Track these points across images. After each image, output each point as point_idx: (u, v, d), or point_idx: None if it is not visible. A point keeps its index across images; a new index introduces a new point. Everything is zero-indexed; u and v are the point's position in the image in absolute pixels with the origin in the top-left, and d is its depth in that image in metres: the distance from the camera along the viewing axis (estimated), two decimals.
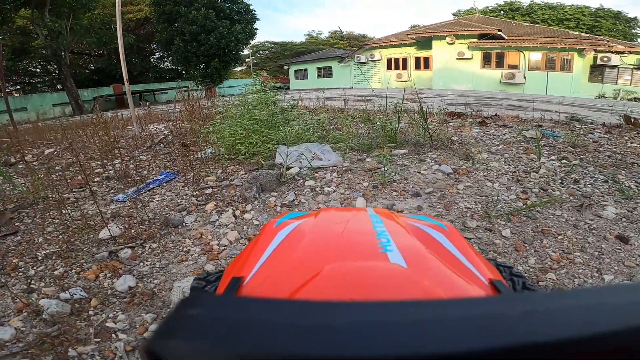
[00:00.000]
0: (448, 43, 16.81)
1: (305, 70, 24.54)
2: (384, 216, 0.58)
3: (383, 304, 0.25)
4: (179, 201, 2.39)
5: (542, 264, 1.68)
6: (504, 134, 3.65)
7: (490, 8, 30.05)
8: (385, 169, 2.62)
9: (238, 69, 28.40)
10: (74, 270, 1.65)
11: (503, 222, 1.96)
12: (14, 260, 1.76)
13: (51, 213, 2.28)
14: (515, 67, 15.90)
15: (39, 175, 3.06)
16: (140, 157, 3.54)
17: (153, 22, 18.11)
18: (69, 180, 2.94)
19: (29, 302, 1.42)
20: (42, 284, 1.56)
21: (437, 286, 0.36)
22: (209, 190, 2.53)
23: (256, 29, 19.03)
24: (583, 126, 4.18)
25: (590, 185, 2.39)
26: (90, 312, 1.42)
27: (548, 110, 5.66)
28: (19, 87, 21.13)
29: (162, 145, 3.94)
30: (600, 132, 3.87)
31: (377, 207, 1.00)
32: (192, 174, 2.84)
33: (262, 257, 0.48)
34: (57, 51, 14.00)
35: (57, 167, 3.44)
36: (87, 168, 3.28)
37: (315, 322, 0.22)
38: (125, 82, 3.98)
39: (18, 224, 2.21)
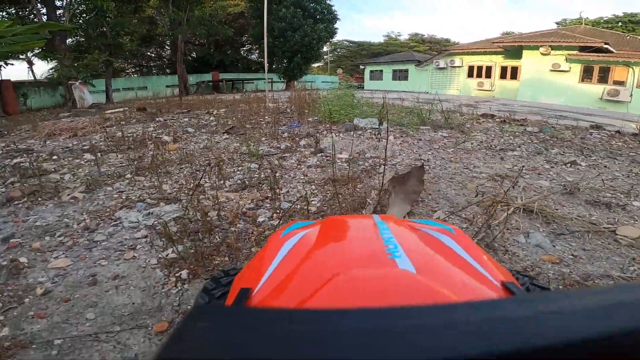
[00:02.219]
0: (542, 54, 15.42)
1: (381, 71, 24.36)
2: (391, 222, 0.58)
3: (393, 310, 0.24)
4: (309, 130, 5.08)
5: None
6: (514, 131, 5.23)
7: (605, 19, 26.28)
8: (412, 132, 4.99)
9: (315, 65, 29.22)
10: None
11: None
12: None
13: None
14: (621, 83, 13.91)
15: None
16: (280, 116, 6.27)
17: (246, 16, 19.50)
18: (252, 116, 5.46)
19: None
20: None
21: (448, 290, 0.35)
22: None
23: (336, 28, 19.81)
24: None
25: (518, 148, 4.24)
26: None
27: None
28: (137, 68, 24.43)
29: (288, 111, 6.80)
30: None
31: (382, 214, 0.95)
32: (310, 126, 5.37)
33: (270, 268, 0.48)
34: (175, 39, 15.95)
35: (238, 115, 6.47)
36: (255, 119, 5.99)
37: (326, 330, 0.22)
38: (265, 67, 6.65)
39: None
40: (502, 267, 0.50)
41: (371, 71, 25.00)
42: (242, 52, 27.56)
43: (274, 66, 19.57)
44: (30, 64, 14.52)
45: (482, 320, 0.22)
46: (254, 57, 27.04)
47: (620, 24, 25.32)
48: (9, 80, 11.20)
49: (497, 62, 17.81)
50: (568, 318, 0.22)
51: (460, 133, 4.95)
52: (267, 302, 0.40)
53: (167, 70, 21.66)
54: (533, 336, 0.20)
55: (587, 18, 23.72)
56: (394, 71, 23.37)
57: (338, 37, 25.69)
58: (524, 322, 0.22)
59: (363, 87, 21.48)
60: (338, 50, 37.15)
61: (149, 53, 24.74)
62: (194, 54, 26.13)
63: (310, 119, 5.73)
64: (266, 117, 6.02)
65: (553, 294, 0.37)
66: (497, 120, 6.32)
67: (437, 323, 0.22)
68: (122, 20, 13.58)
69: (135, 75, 22.25)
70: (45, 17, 11.60)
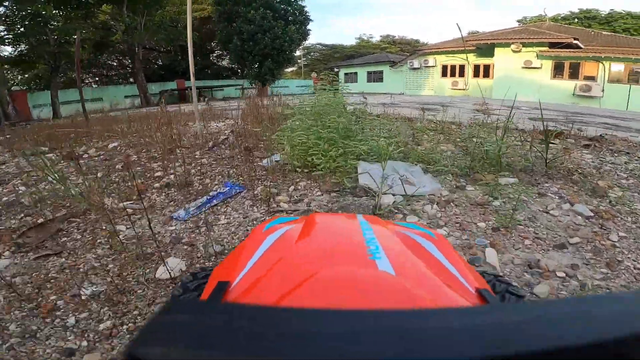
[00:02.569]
0: (513, 51, 15.34)
1: (355, 73, 23.95)
2: (374, 223, 0.56)
3: (369, 312, 0.24)
4: (248, 227, 1.88)
5: None
6: (625, 162, 2.97)
7: (563, 16, 27.13)
8: (499, 203, 2.07)
9: (289, 69, 28.46)
10: (125, 327, 1.17)
11: None
12: (51, 297, 1.33)
13: (104, 228, 1.87)
14: (592, 78, 14.00)
15: (97, 176, 2.73)
16: (202, 160, 3.15)
17: (214, 21, 18.58)
18: (128, 184, 2.57)
19: None
20: (84, 342, 1.14)
21: (424, 294, 0.35)
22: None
23: (309, 30, 19.12)
24: None
25: None
26: None
27: None
28: (97, 78, 22.71)
29: (223, 147, 3.55)
30: None
31: (366, 215, 0.89)
32: (259, 188, 2.33)
33: (249, 262, 0.46)
34: (132, 46, 14.85)
35: (117, 166, 3.23)
36: (147, 170, 2.93)
37: (300, 330, 0.22)
38: (192, 77, 3.88)
39: (65, 239, 1.87)
40: (477, 274, 0.49)
41: (345, 74, 24.55)
42: (211, 58, 26.40)
43: (245, 71, 18.59)
44: None
45: (454, 327, 0.22)
46: (224, 63, 25.97)
47: (576, 20, 26.20)
48: None
49: (470, 60, 17.70)
50: (536, 328, 0.22)
51: (594, 196, 2.17)
52: (245, 298, 0.39)
53: (130, 80, 20.13)
54: (500, 346, 0.20)
55: (546, 15, 24.32)
56: (369, 73, 23.02)
57: (311, 41, 25.21)
58: (493, 330, 0.22)
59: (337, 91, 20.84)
60: (312, 53, 36.81)
61: (109, 62, 23.04)
62: (159, 62, 24.69)
63: (264, 162, 2.97)
64: (176, 164, 2.98)
65: (525, 304, 0.31)
66: (572, 141, 3.64)
67: (409, 327, 0.22)
68: (68, 27, 12.16)
69: (95, 86, 20.60)
70: None
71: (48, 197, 2.35)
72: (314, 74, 25.96)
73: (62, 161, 3.49)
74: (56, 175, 2.32)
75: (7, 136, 4.72)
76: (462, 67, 18.13)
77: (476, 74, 17.81)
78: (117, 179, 2.86)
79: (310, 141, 2.58)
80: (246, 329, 0.22)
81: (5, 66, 14.08)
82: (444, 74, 18.91)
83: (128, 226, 1.98)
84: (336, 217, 0.69)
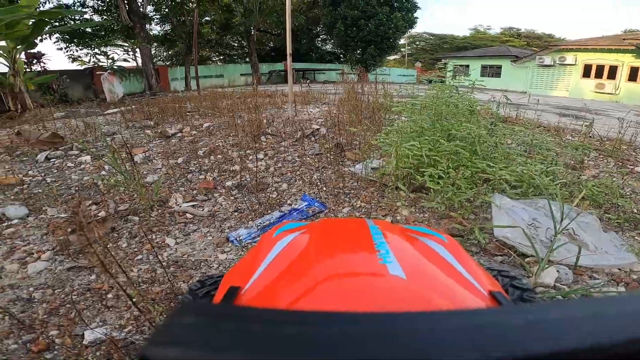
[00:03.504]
0: None
1: (467, 66, 21.18)
2: (383, 228, 0.55)
3: (381, 315, 0.24)
4: None
5: None
6: None
7: None
8: None
9: (391, 57, 26.93)
10: None
11: None
12: (52, 332, 1.07)
13: (151, 240, 1.67)
14: None
15: (177, 162, 2.56)
16: (286, 153, 2.72)
17: (320, 5, 18.46)
18: (200, 177, 2.33)
19: None
20: None
21: (436, 298, 0.34)
22: None
23: (416, 18, 17.79)
24: None
25: None
26: None
27: None
28: (222, 57, 25.19)
29: (313, 138, 3.09)
30: None
31: (376, 219, 0.90)
32: (344, 209, 1.78)
33: (260, 267, 0.45)
34: (248, 28, 15.65)
35: (200, 151, 3.04)
36: (226, 159, 2.75)
37: (312, 333, 0.21)
38: (288, 58, 3.54)
39: (110, 245, 1.68)
40: (490, 276, 0.48)
41: (455, 66, 21.93)
42: (317, 42, 26.70)
43: (347, 56, 18.27)
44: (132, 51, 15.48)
45: (467, 329, 0.21)
46: (328, 47, 26.02)
47: None
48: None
49: (625, 61, 13.70)
50: (553, 329, 0.21)
51: None
52: (256, 302, 0.38)
53: (246, 60, 21.83)
54: (515, 347, 0.20)
55: None
56: (484, 67, 20.19)
57: (417, 30, 23.20)
58: (509, 332, 0.21)
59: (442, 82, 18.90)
60: (417, 42, 34.20)
61: (231, 42, 25.27)
62: (271, 44, 26.06)
63: (355, 168, 2.47)
64: (258, 155, 2.79)
65: (539, 304, 0.33)
66: None
67: (423, 330, 0.21)
68: (201, 9, 13.50)
69: (220, 63, 22.92)
70: (126, 5, 11.83)
71: (121, 184, 2.20)
72: (418, 64, 23.91)
73: (156, 138, 3.55)
74: (121, 167, 2.10)
75: (132, 107, 5.19)
76: (613, 68, 14.16)
77: (632, 77, 13.71)
78: (193, 168, 2.67)
79: (423, 153, 1.91)
80: (258, 332, 0.21)
81: (154, 44, 16.61)
82: (585, 74, 15.15)
83: (179, 239, 1.70)
84: (345, 221, 0.70)
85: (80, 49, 12.87)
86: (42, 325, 1.18)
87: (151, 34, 15.64)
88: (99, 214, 1.92)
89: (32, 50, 9.98)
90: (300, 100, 5.51)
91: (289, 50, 3.65)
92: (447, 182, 1.75)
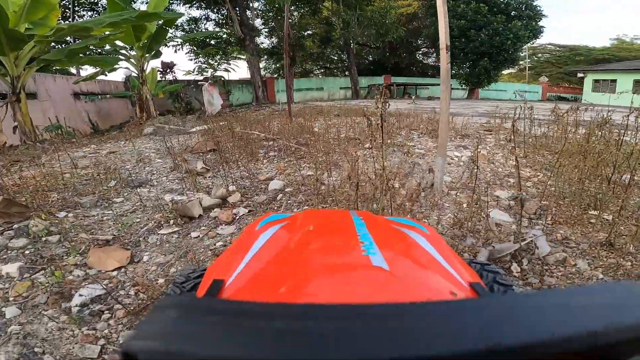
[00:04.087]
0: None
1: (613, 81, 16.97)
2: (367, 219, 0.55)
3: (363, 307, 0.24)
4: None
5: None
6: None
7: None
8: None
9: (506, 72, 23.59)
10: None
11: None
12: None
13: None
14: None
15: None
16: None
17: (420, 17, 17.21)
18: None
19: None
20: None
21: (418, 288, 0.35)
22: None
23: (542, 27, 15.51)
24: None
25: None
26: None
27: None
28: (322, 70, 26.05)
29: (512, 265, 1.43)
30: None
31: (359, 210, 0.91)
32: None
33: (244, 260, 0.45)
34: (347, 41, 15.61)
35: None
36: None
37: (296, 325, 0.21)
38: (442, 61, 2.33)
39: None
40: (470, 267, 0.48)
41: (596, 81, 17.72)
42: (417, 55, 25.31)
43: (453, 71, 16.60)
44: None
45: (449, 320, 0.22)
46: (430, 61, 24.35)
47: None
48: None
49: None
50: (529, 319, 0.22)
51: None
52: (240, 295, 0.37)
53: (346, 73, 22.06)
54: (494, 336, 0.20)
55: None
56: (636, 82, 15.80)
57: (539, 41, 19.38)
58: (488, 322, 0.22)
59: (577, 100, 15.50)
60: (539, 55, 29.34)
61: (332, 56, 25.95)
62: (370, 57, 25.80)
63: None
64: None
65: (516, 295, 0.34)
66: None
67: (406, 321, 0.22)
68: (301, 22, 13.95)
69: (320, 77, 23.73)
70: (239, 17, 12.89)
71: None
72: (544, 78, 20.06)
73: (170, 222, 1.95)
74: None
75: (215, 125, 4.32)
76: None
77: None
78: None
79: None
80: (241, 325, 0.21)
81: (264, 56, 18.00)
82: None
83: None
84: (329, 212, 0.70)
85: (206, 59, 14.71)
86: None
87: (261, 47, 16.99)
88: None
89: (166, 60, 11.63)
90: (418, 126, 4.09)
91: (442, 42, 2.67)
92: None
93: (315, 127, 4.25)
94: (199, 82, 10.20)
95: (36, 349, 1.06)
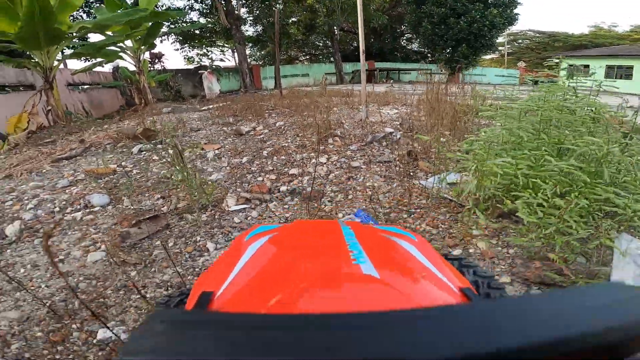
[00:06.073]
0: None
1: (586, 66, 17.76)
2: (355, 228, 0.55)
3: (354, 315, 0.24)
4: None
5: None
6: None
7: None
8: None
9: (488, 57, 24.13)
10: None
11: None
12: (73, 325, 1.17)
13: (198, 240, 1.71)
14: None
15: (242, 160, 2.54)
16: (353, 158, 2.48)
17: (403, 4, 17.47)
18: (259, 177, 2.24)
19: None
20: None
21: (410, 295, 0.35)
22: None
23: (517, 14, 15.86)
24: None
25: None
26: None
27: None
28: (307, 57, 26.04)
29: (384, 143, 2.78)
30: None
31: (347, 220, 0.91)
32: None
33: (233, 271, 0.44)
34: (331, 28, 15.76)
35: (264, 152, 2.98)
36: (289, 161, 2.70)
37: (287, 336, 0.21)
38: (361, 55, 3.49)
39: (158, 242, 1.69)
40: (459, 273, 0.47)
41: (570, 65, 18.46)
42: (401, 41, 25.54)
43: (435, 56, 17.04)
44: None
45: (442, 326, 0.22)
46: (413, 46, 24.66)
47: None
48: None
49: None
50: (522, 323, 0.22)
51: None
52: (229, 307, 0.37)
53: (331, 59, 22.21)
54: (488, 341, 0.20)
55: None
56: (609, 67, 16.74)
57: (519, 27, 20.11)
58: (480, 327, 0.22)
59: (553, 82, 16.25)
60: (519, 41, 29.93)
61: (317, 42, 25.91)
62: (354, 44, 25.92)
63: (426, 182, 2.17)
64: (321, 159, 2.70)
65: (509, 300, 0.31)
66: None
67: (399, 328, 0.22)
68: (286, 9, 14.03)
69: (305, 63, 23.77)
70: (224, 8, 12.93)
71: (184, 181, 2.19)
72: (521, 63, 20.70)
73: (231, 136, 3.66)
74: (181, 166, 2.04)
75: (223, 104, 5.51)
76: None
77: None
78: (254, 168, 2.59)
79: (518, 172, 1.45)
80: (231, 337, 0.21)
81: (249, 44, 17.99)
82: None
83: (219, 245, 1.65)
84: (318, 223, 0.70)
85: (192, 50, 14.70)
86: (70, 317, 1.21)
87: (246, 35, 16.98)
88: (162, 209, 2.01)
89: (154, 51, 11.77)
90: (378, 100, 5.20)
91: (361, 46, 3.41)
92: (549, 213, 1.30)
93: (300, 103, 5.39)
94: (199, 71, 10.99)
95: None
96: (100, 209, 2.05)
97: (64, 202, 2.14)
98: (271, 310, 0.32)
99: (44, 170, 2.83)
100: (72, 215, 1.99)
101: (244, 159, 2.80)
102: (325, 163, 2.51)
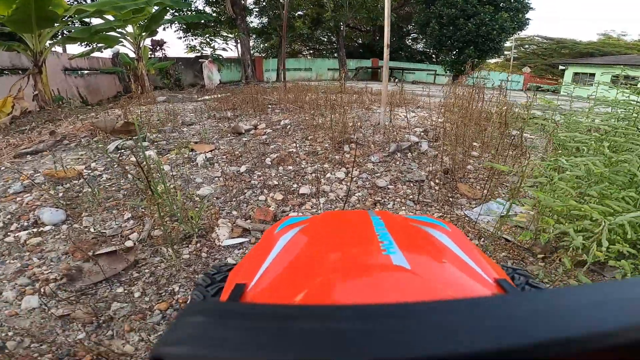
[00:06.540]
0: None
1: (591, 75, 17.45)
2: (385, 218, 0.53)
3: (388, 306, 0.23)
4: None
5: None
6: None
7: None
8: None
9: (492, 60, 23.71)
10: None
11: None
12: None
13: (175, 290, 1.27)
14: None
15: (239, 170, 2.08)
16: (376, 176, 2.02)
17: (412, 3, 17.01)
18: (261, 196, 1.79)
19: None
20: None
21: (442, 286, 0.34)
22: None
23: (528, 19, 15.67)
24: None
25: None
26: None
27: None
28: (311, 51, 25.42)
29: (410, 154, 2.35)
30: None
31: (377, 210, 0.86)
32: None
33: (264, 264, 0.44)
34: (338, 23, 15.28)
35: (267, 159, 2.52)
36: (297, 175, 2.24)
37: (320, 326, 0.21)
38: (385, 50, 2.93)
39: (120, 290, 1.25)
40: (495, 264, 0.46)
41: (576, 74, 18.12)
42: (406, 40, 25.03)
43: (440, 57, 16.63)
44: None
45: (476, 317, 0.21)
46: (419, 46, 24.18)
47: None
48: None
49: None
50: (560, 315, 0.21)
51: None
52: (262, 298, 0.37)
53: (335, 55, 21.63)
54: (525, 333, 0.20)
55: None
56: (615, 76, 16.13)
57: (527, 32, 19.70)
58: (517, 319, 0.21)
59: (556, 91, 16.00)
60: (526, 46, 29.54)
61: (321, 37, 25.25)
62: (359, 40, 25.36)
63: (477, 213, 1.69)
64: (335, 174, 2.19)
65: (546, 291, 0.29)
66: None
67: (431, 320, 0.21)
68: (294, 3, 13.55)
69: (309, 58, 23.17)
70: None
71: (164, 197, 1.68)
72: (526, 69, 20.28)
73: (229, 134, 3.18)
74: (145, 183, 1.47)
75: (219, 95, 5.07)
76: None
77: None
78: (255, 182, 2.09)
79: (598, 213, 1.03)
80: (266, 327, 0.21)
81: (253, 35, 17.40)
82: None
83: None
84: (347, 213, 0.68)
85: (195, 38, 14.08)
86: None
87: (251, 26, 16.40)
88: (131, 236, 1.53)
89: (155, 38, 11.26)
90: (389, 101, 4.73)
91: (386, 40, 2.91)
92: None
93: (306, 98, 4.89)
94: (200, 59, 10.58)
95: None
96: (52, 229, 1.59)
97: (9, 216, 1.67)
98: (303, 302, 0.32)
99: (2, 168, 2.35)
100: (15, 235, 1.53)
101: (242, 168, 2.31)
102: (343, 179, 2.04)
